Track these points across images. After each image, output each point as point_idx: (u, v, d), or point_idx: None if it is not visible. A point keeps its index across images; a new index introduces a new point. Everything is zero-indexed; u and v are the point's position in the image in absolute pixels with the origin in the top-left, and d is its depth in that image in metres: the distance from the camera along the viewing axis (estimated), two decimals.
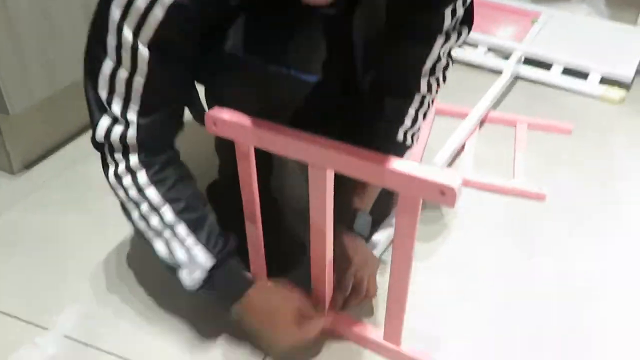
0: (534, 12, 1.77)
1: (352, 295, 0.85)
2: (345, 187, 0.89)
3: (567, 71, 1.58)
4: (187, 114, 0.80)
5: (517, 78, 1.58)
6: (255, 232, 0.82)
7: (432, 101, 0.89)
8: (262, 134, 0.68)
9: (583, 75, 1.56)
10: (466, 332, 0.88)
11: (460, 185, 0.60)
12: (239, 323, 0.79)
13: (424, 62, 0.83)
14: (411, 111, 0.87)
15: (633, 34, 1.71)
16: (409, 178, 0.62)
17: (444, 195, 0.60)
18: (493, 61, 1.62)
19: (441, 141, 1.24)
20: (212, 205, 0.78)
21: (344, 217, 0.88)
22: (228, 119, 0.70)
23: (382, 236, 0.99)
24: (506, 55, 1.62)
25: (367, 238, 0.92)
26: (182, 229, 0.74)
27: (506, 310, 0.92)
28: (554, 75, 1.57)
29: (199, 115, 0.90)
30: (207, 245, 0.75)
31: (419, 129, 0.90)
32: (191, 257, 0.74)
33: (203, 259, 0.74)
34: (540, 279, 0.98)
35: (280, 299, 0.79)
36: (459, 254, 1.02)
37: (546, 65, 1.60)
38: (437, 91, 0.89)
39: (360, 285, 0.84)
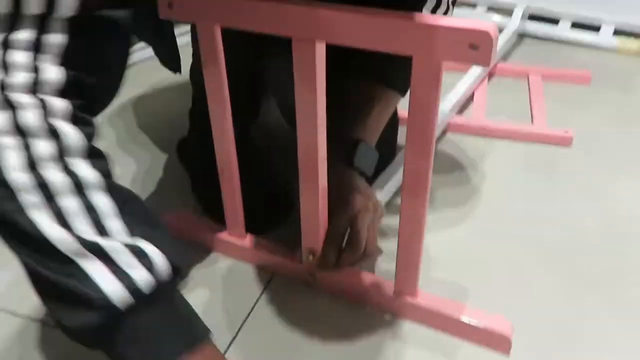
0: None
1: (347, 249, 0.65)
2: (343, 111, 0.73)
3: (577, 25, 1.45)
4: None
5: (522, 36, 1.45)
6: (229, 171, 0.65)
7: None
8: (229, 5, 0.52)
9: (594, 28, 1.43)
10: (495, 280, 0.71)
11: (497, 34, 0.44)
12: None
13: None
14: None
15: None
16: (427, 30, 0.45)
17: (476, 50, 0.44)
18: (495, 20, 1.49)
19: (445, 94, 1.09)
20: (183, 165, 0.60)
21: (342, 149, 0.70)
22: None
23: (388, 179, 0.83)
24: (509, 14, 1.50)
25: (371, 178, 0.74)
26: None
27: (539, 256, 0.75)
28: (563, 30, 1.43)
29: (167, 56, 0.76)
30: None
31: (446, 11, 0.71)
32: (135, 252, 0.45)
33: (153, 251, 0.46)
34: (576, 222, 0.81)
35: None
36: (480, 202, 0.85)
37: (553, 21, 1.47)
38: None
39: (358, 236, 0.64)
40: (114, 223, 0.45)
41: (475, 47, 0.44)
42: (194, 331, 0.46)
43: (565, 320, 0.65)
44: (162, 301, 0.45)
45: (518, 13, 1.44)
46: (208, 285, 0.70)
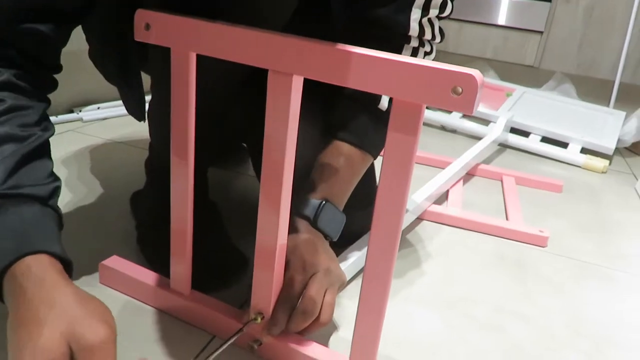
0: (508, 88, 1.74)
1: (298, 314, 0.57)
2: (308, 167, 0.69)
3: (546, 140, 1.50)
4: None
5: (492, 143, 1.49)
6: (183, 229, 0.60)
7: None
8: (207, 32, 0.50)
9: (563, 144, 1.49)
10: None
11: (482, 80, 0.43)
12: None
13: None
14: None
15: (608, 113, 1.67)
16: (409, 69, 0.43)
17: (459, 95, 0.42)
18: (470, 125, 1.54)
19: (422, 184, 1.08)
20: (133, 215, 0.58)
21: (307, 205, 0.66)
22: (166, 18, 0.52)
23: (354, 255, 0.77)
24: (484, 122, 1.56)
25: (336, 242, 0.69)
26: None
27: (505, 350, 0.68)
28: (534, 142, 1.48)
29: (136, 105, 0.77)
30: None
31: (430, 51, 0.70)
32: None
33: None
34: (545, 320, 0.76)
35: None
36: (448, 289, 0.80)
37: (524, 134, 1.52)
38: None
39: (313, 301, 0.57)
40: None
41: (458, 92, 0.42)
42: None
43: None
44: None
45: (501, 123, 1.48)
46: (140, 340, 0.61)
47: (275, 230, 0.54)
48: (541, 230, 0.97)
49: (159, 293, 0.66)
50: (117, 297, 0.68)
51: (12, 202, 0.51)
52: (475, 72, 0.42)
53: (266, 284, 0.57)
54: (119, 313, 0.66)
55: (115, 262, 0.70)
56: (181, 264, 0.63)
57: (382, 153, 0.50)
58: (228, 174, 1.08)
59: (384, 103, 0.70)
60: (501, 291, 0.81)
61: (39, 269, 0.46)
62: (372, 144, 0.71)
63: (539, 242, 0.96)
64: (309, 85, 0.51)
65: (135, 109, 0.81)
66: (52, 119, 1.21)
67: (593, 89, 1.88)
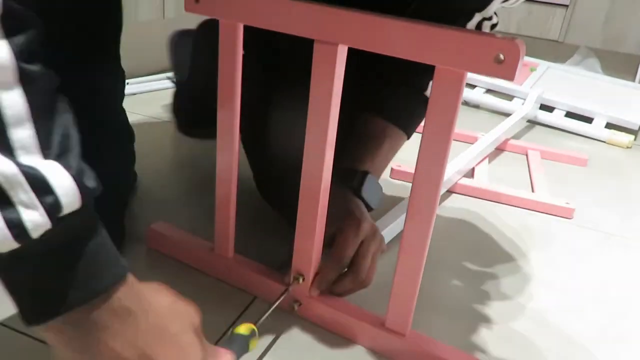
0: (532, 62, 1.74)
1: (349, 276, 0.62)
2: (354, 143, 0.73)
3: (570, 116, 1.50)
4: None
5: (522, 119, 1.49)
6: (227, 183, 0.63)
7: None
8: (255, 4, 0.52)
9: (587, 120, 1.48)
10: (485, 332, 0.66)
11: (524, 49, 0.44)
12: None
13: None
14: None
15: (633, 88, 1.66)
16: (452, 38, 0.45)
17: (501, 63, 0.44)
18: (493, 101, 1.54)
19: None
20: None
21: (350, 178, 0.69)
22: None
23: (390, 223, 0.80)
24: (506, 98, 1.56)
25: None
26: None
27: (532, 316, 0.71)
28: (558, 118, 1.48)
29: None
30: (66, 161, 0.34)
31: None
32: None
33: (62, 182, 0.32)
34: (571, 286, 0.78)
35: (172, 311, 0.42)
36: (477, 259, 0.82)
37: (548, 109, 1.52)
38: None
39: (363, 262, 0.62)
40: (20, 131, 0.31)
41: (500, 59, 0.44)
42: (97, 277, 0.36)
43: None
44: (56, 252, 0.34)
45: (532, 98, 1.48)
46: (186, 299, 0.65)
47: (317, 197, 0.57)
48: (567, 202, 0.99)
49: (203, 256, 0.69)
50: (164, 259, 0.72)
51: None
52: (518, 40, 0.43)
53: (308, 246, 0.60)
54: (166, 274, 0.69)
55: (162, 227, 0.74)
56: (225, 228, 0.66)
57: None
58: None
59: (429, 90, 0.72)
60: (527, 260, 0.83)
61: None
62: (412, 127, 0.76)
63: (565, 213, 0.98)
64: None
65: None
66: None
67: (618, 64, 1.86)
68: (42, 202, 0.31)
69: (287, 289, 0.60)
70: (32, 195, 0.30)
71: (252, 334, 0.52)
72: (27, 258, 0.33)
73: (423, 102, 0.71)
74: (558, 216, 0.98)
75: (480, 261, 0.82)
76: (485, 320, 0.69)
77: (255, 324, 0.53)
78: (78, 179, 0.33)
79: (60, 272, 0.34)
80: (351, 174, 0.69)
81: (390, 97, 0.75)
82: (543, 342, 0.66)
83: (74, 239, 0.34)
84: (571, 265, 0.84)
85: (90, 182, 0.34)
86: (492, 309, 0.71)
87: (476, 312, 0.70)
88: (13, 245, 0.31)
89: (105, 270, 0.36)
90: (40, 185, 0.31)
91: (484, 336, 0.66)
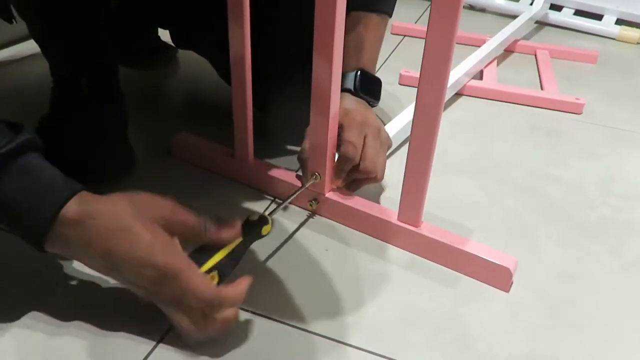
0: None
1: (360, 171, 0.64)
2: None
3: (579, 14, 1.47)
4: None
5: (530, 19, 1.46)
6: (242, 89, 0.64)
7: None
8: None
9: (597, 17, 1.45)
10: (496, 225, 0.70)
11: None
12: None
13: None
14: None
15: None
16: None
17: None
18: (499, 3, 1.50)
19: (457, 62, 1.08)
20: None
21: (343, 83, 0.69)
22: None
23: (399, 124, 0.82)
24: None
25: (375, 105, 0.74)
26: None
27: (540, 208, 0.74)
28: (567, 16, 1.45)
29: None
30: None
31: None
32: None
33: None
34: (578, 180, 0.81)
35: (144, 207, 0.47)
36: (486, 157, 0.85)
37: (556, 8, 1.48)
38: None
39: (373, 160, 0.64)
40: None
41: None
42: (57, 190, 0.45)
43: (565, 264, 0.64)
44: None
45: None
46: (211, 203, 0.68)
47: (328, 99, 0.58)
48: (577, 97, 0.99)
49: (225, 161, 0.73)
50: (188, 166, 0.76)
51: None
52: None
53: (322, 145, 0.62)
54: (191, 180, 0.73)
55: (185, 137, 0.77)
56: (244, 134, 0.69)
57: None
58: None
59: None
60: (536, 157, 0.85)
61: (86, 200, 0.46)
62: (385, 4, 0.74)
63: (575, 109, 0.99)
64: None
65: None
66: None
67: None
68: None
69: (302, 185, 0.64)
70: None
71: (262, 220, 0.54)
72: None
73: None
74: (567, 112, 0.99)
75: (487, 160, 0.84)
76: (493, 215, 0.72)
77: (269, 214, 0.56)
78: None
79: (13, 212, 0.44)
80: (344, 77, 0.69)
81: None
82: (547, 231, 0.70)
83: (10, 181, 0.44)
84: (579, 160, 0.86)
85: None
86: (502, 204, 0.74)
87: (486, 208, 0.73)
88: None
89: (50, 196, 0.44)
90: None
91: (494, 227, 0.70)
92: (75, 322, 0.51)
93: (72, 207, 0.44)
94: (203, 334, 0.47)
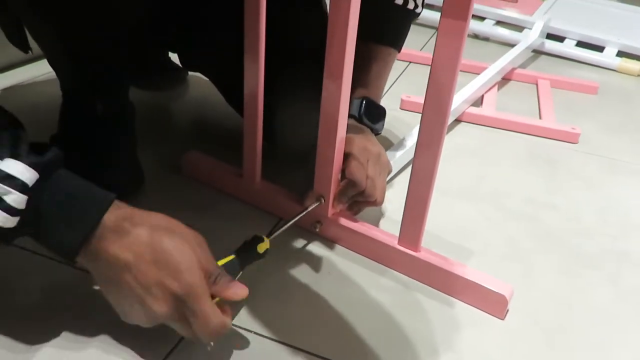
0: None
1: (362, 196, 0.66)
2: None
3: (582, 45, 1.50)
4: None
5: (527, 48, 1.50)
6: (253, 113, 0.67)
7: None
8: None
9: (598, 49, 1.48)
10: (493, 252, 0.72)
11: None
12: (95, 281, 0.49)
13: None
14: None
15: None
16: None
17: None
18: (503, 32, 1.54)
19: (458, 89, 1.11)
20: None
21: (349, 109, 0.71)
22: None
23: (400, 151, 0.84)
24: (516, 29, 1.55)
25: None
26: None
27: (537, 236, 0.76)
28: (569, 47, 1.48)
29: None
30: (16, 153, 0.45)
31: None
32: None
33: (18, 169, 0.44)
34: (575, 209, 0.83)
35: (176, 235, 0.48)
36: (484, 184, 0.87)
37: (558, 39, 1.52)
38: None
39: (374, 184, 0.66)
40: None
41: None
42: (89, 203, 0.47)
43: (561, 292, 0.66)
44: (44, 200, 0.46)
45: (538, 27, 1.47)
46: (215, 221, 0.70)
47: (335, 125, 0.61)
48: (573, 127, 1.02)
49: (233, 181, 0.75)
50: (196, 185, 0.78)
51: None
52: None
53: (327, 171, 0.64)
54: (199, 199, 0.75)
55: (194, 155, 0.80)
56: (252, 156, 0.71)
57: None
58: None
59: None
60: (533, 185, 0.88)
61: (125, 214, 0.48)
62: (395, 37, 0.77)
63: (571, 138, 1.01)
64: None
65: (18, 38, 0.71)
66: None
67: None
68: (13, 187, 0.43)
69: (306, 208, 0.66)
70: (2, 185, 0.44)
71: (256, 240, 0.56)
72: (27, 223, 0.45)
73: (399, 10, 0.75)
74: (564, 141, 1.01)
75: (486, 186, 0.86)
76: (491, 241, 0.74)
77: (268, 236, 0.57)
78: (27, 161, 0.45)
79: (50, 225, 0.46)
80: (350, 104, 0.71)
81: (362, 17, 0.76)
82: (544, 258, 0.72)
83: (48, 196, 0.46)
84: (575, 189, 0.88)
85: (33, 157, 0.45)
86: (500, 231, 0.76)
87: (484, 234, 0.75)
88: (11, 220, 0.44)
89: (88, 209, 0.47)
90: (5, 177, 0.44)
91: (492, 253, 0.71)
92: (81, 338, 0.53)
93: (111, 215, 0.47)
94: (201, 341, 0.49)
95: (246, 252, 0.55)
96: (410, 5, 0.75)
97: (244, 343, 0.54)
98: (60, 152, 0.48)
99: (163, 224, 0.49)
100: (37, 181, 0.45)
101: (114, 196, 0.48)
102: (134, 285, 0.46)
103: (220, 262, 0.52)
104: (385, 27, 0.76)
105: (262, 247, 0.56)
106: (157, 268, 0.46)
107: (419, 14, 0.77)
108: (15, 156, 0.45)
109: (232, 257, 0.54)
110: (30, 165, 0.45)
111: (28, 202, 0.45)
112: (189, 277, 0.46)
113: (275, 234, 0.59)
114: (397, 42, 0.78)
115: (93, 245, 0.46)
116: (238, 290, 0.50)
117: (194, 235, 0.50)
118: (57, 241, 0.46)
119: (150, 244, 0.47)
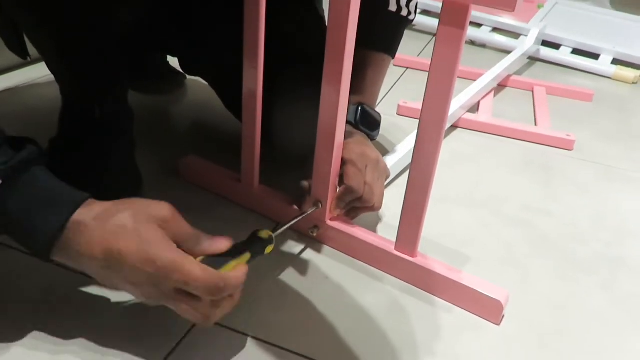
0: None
1: (359, 201, 0.67)
2: None
3: (577, 52, 1.51)
4: None
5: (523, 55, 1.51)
6: (252, 119, 0.67)
7: None
8: None
9: (594, 56, 1.50)
10: (489, 258, 0.72)
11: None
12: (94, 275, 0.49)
13: None
14: None
15: None
16: None
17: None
18: (500, 39, 1.55)
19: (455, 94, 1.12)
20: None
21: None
22: None
23: (397, 156, 0.85)
24: (513, 36, 1.56)
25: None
26: None
27: (533, 241, 0.77)
28: (564, 55, 1.49)
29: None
30: None
31: None
32: None
33: None
34: (570, 215, 0.83)
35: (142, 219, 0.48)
36: (480, 190, 0.87)
37: (554, 46, 1.53)
38: None
39: (371, 189, 0.67)
40: None
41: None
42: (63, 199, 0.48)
43: (556, 297, 0.66)
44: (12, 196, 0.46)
45: (533, 35, 1.48)
46: (212, 225, 0.70)
47: (333, 131, 0.61)
48: (568, 134, 1.03)
49: (231, 185, 0.76)
50: (194, 188, 0.78)
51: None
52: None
53: (325, 175, 0.65)
54: (196, 202, 0.75)
55: (192, 159, 0.81)
56: (250, 161, 0.72)
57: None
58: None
59: (392, 5, 0.76)
60: (528, 191, 0.88)
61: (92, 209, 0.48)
62: (389, 43, 0.78)
63: (566, 145, 1.02)
64: None
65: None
66: None
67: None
68: None
69: (303, 212, 0.66)
70: None
71: (269, 239, 0.56)
72: None
73: (392, 17, 0.76)
74: (559, 148, 1.02)
75: (482, 192, 0.87)
76: (487, 247, 0.75)
77: (273, 232, 0.58)
78: None
79: (17, 227, 0.47)
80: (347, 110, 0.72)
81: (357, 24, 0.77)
82: (539, 263, 0.72)
83: (15, 199, 0.46)
84: (570, 195, 0.89)
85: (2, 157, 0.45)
86: (496, 236, 0.77)
87: (480, 239, 0.76)
88: None
89: (58, 205, 0.47)
90: None
91: (487, 258, 0.72)
92: (79, 341, 0.53)
93: (78, 213, 0.47)
94: (211, 320, 0.48)
95: (257, 249, 0.55)
96: (404, 12, 0.76)
97: (239, 346, 0.54)
98: (36, 150, 0.48)
99: (128, 219, 0.47)
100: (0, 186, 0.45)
101: (86, 196, 0.48)
102: (116, 281, 0.47)
103: (243, 259, 0.52)
104: (379, 33, 0.78)
105: (269, 249, 0.56)
106: (128, 260, 0.46)
107: (412, 20, 0.79)
108: None
109: (248, 255, 0.53)
110: None
111: None
112: (160, 254, 0.46)
113: (275, 234, 0.59)
114: (391, 48, 0.79)
115: (62, 249, 0.47)
116: (220, 244, 0.50)
117: (159, 208, 0.49)
118: (24, 242, 0.47)
119: (108, 247, 0.46)
